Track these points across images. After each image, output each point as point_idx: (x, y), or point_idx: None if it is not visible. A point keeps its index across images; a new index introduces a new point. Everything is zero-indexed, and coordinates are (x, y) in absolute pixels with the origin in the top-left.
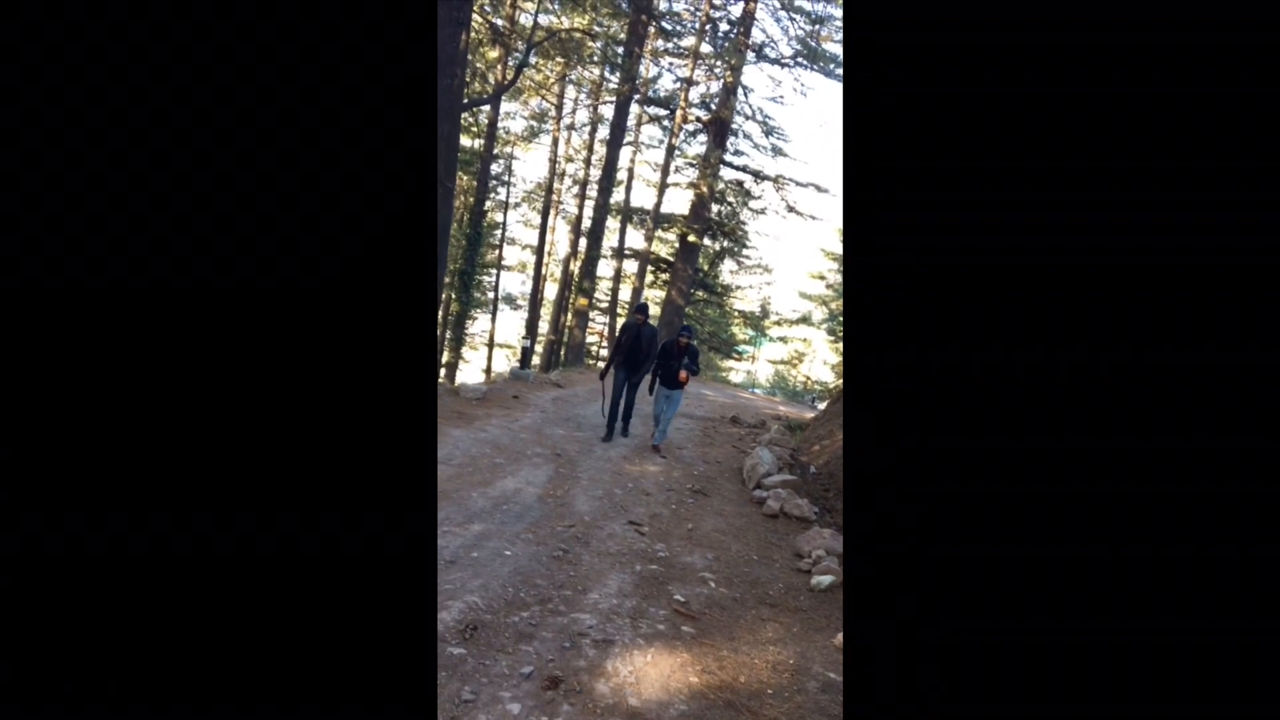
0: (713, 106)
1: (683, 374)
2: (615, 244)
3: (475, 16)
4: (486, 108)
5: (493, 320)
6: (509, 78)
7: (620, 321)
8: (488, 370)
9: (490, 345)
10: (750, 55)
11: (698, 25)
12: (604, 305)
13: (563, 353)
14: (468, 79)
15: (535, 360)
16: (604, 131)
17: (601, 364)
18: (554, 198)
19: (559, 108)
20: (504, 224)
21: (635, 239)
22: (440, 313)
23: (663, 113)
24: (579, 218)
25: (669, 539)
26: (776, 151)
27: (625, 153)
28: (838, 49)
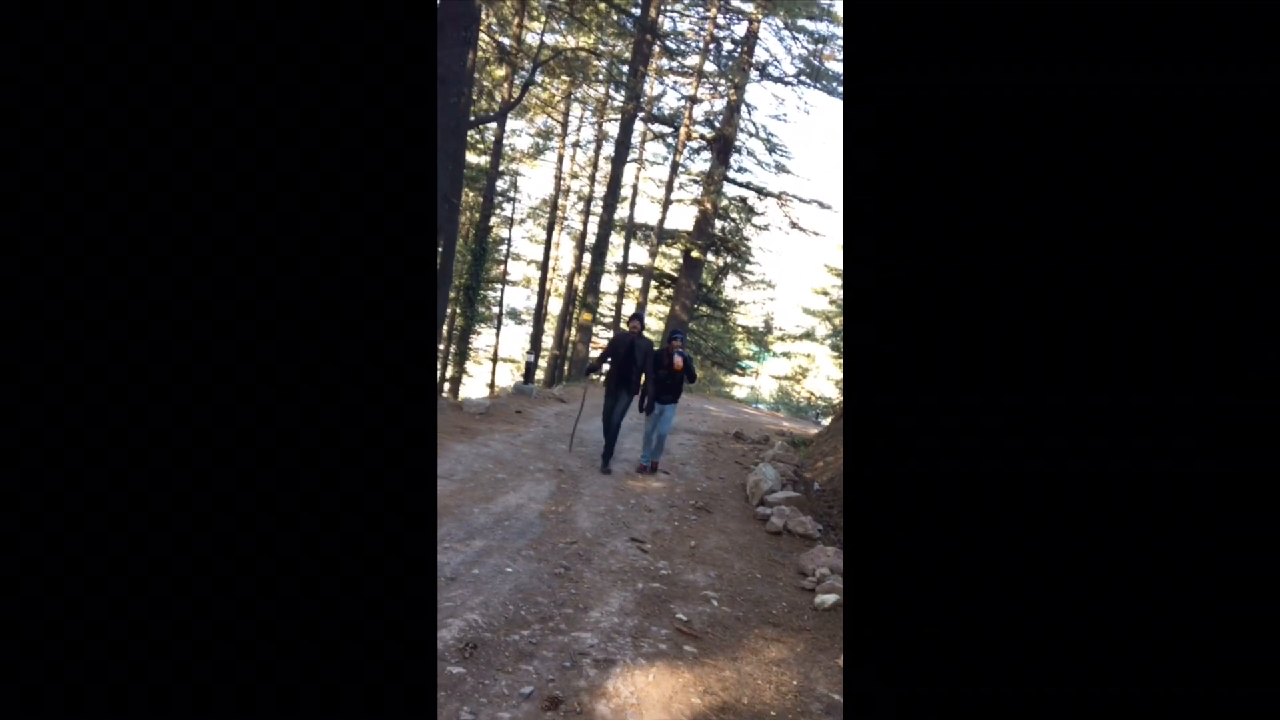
0: (716, 124)
1: (677, 361)
2: (619, 259)
3: (482, 36)
4: (492, 125)
5: (497, 335)
6: (515, 96)
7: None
8: (491, 385)
9: (494, 360)
10: (754, 74)
11: (702, 44)
12: (608, 320)
13: (566, 368)
14: (474, 97)
15: (539, 375)
16: (609, 148)
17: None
18: (559, 214)
19: (564, 125)
20: (509, 240)
21: (639, 255)
22: (445, 327)
23: (667, 130)
24: (583, 233)
25: (671, 556)
26: (780, 168)
27: (630, 169)
28: (840, 67)
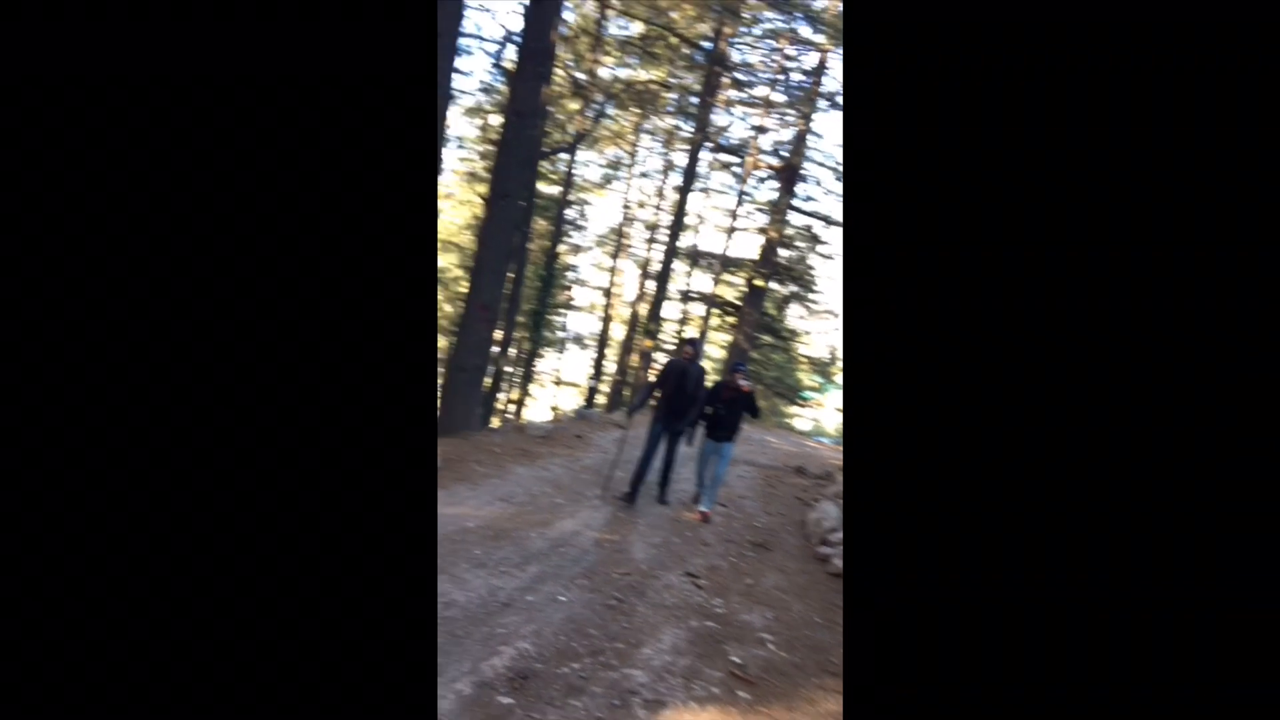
0: (784, 153)
1: (744, 384)
2: (682, 287)
3: (557, 71)
4: (564, 156)
5: (561, 359)
6: (587, 128)
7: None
8: (554, 408)
9: (558, 384)
10: (823, 103)
11: (771, 75)
12: (670, 347)
13: (627, 393)
14: (548, 130)
15: (600, 400)
16: (675, 178)
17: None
18: (624, 241)
19: (633, 156)
20: (576, 266)
21: (702, 282)
22: (513, 351)
23: (734, 160)
24: (647, 261)
25: (727, 594)
26: None
27: (695, 198)
28: None
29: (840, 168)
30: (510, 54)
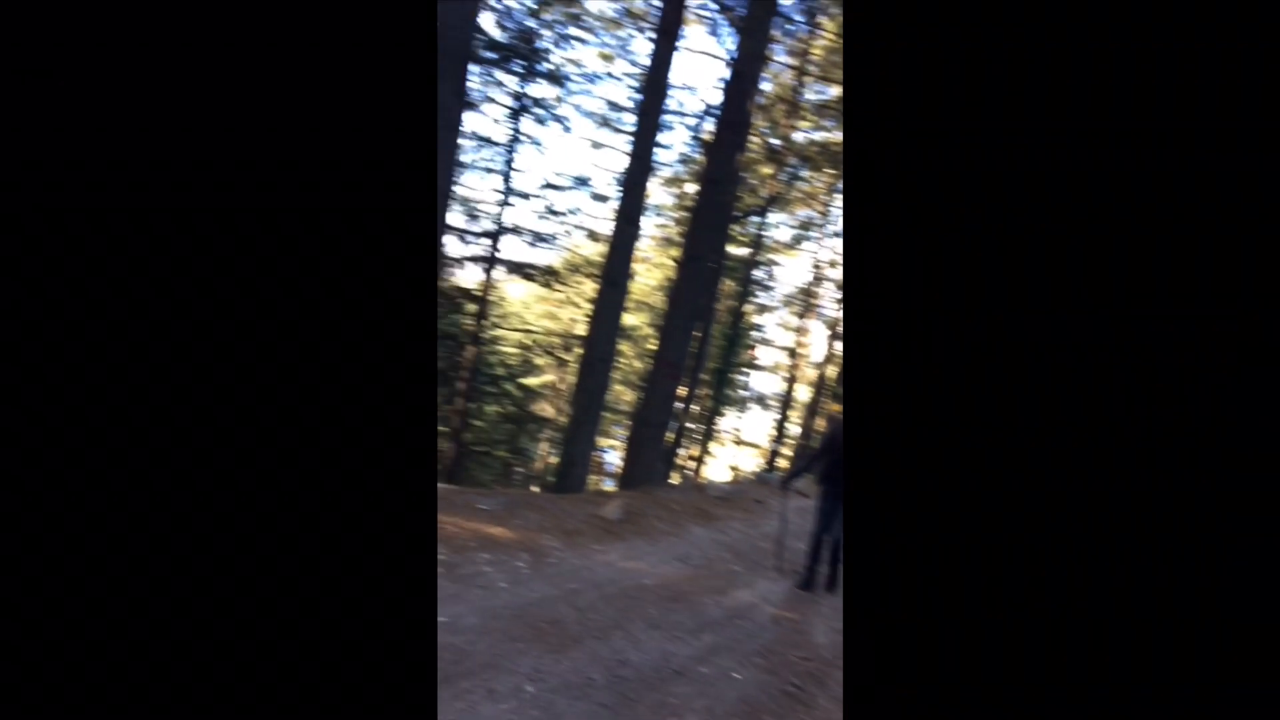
0: None
1: None
2: None
3: (752, 137)
4: (754, 218)
5: (743, 419)
6: (779, 190)
7: None
8: (733, 468)
9: (738, 444)
10: None
11: None
12: None
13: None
14: (740, 194)
15: (782, 463)
16: None
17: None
18: (813, 301)
19: (824, 215)
20: (762, 326)
21: None
22: (696, 408)
23: None
24: (837, 321)
25: None
26: None
27: None
28: None
29: None
30: (709, 125)
